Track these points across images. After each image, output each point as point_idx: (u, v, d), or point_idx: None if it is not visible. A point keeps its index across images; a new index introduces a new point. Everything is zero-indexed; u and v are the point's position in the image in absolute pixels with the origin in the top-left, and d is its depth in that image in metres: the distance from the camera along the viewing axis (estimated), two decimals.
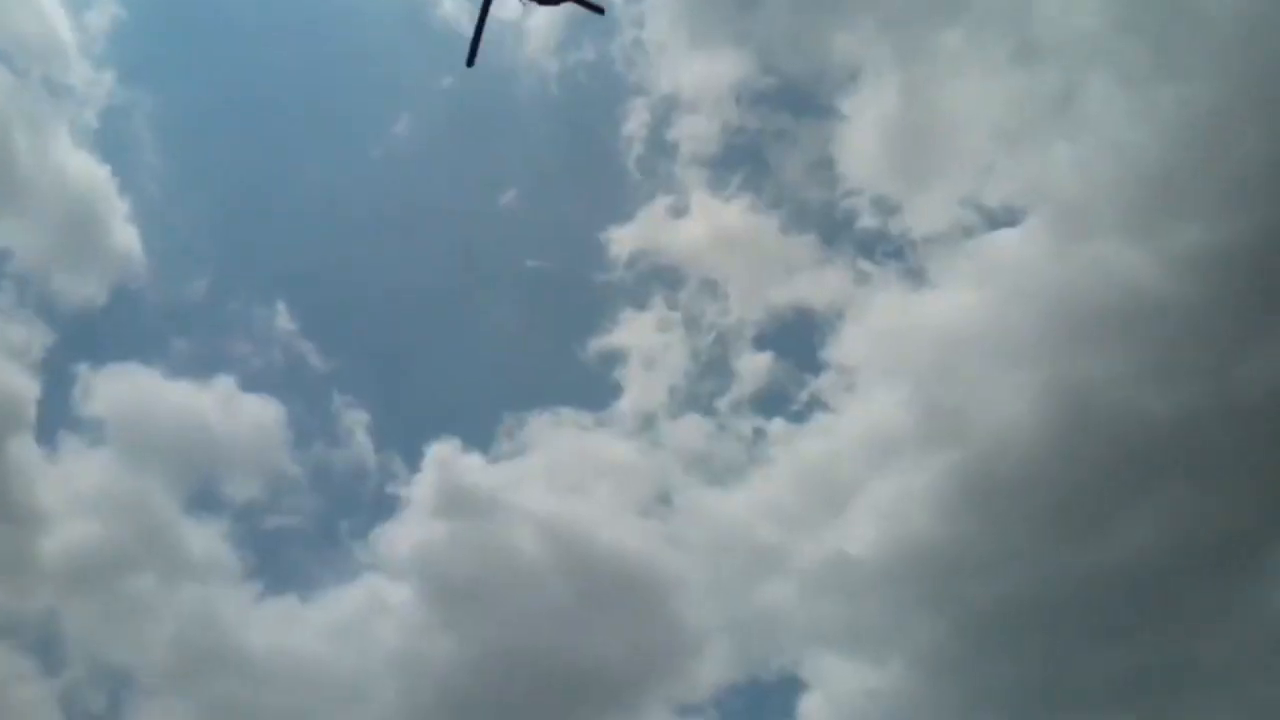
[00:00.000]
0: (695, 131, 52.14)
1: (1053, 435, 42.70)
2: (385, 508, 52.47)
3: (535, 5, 25.58)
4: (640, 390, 54.25)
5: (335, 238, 59.23)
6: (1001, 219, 48.72)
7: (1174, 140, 41.85)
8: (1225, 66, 40.92)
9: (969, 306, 48.30)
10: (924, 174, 52.29)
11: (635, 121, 55.91)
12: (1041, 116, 47.57)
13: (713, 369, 53.99)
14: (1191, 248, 41.25)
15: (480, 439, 52.75)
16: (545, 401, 53.80)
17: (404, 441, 54.56)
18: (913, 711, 43.48)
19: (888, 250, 52.01)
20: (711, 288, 55.38)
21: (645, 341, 55.26)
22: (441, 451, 52.02)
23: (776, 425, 51.67)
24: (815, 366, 52.45)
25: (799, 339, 53.63)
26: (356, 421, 54.39)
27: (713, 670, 47.50)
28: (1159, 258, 42.24)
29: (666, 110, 55.20)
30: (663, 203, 56.29)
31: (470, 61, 27.23)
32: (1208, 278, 40.59)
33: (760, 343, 53.39)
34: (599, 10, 26.13)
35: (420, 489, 52.65)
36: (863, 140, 51.89)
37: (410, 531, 51.51)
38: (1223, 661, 39.16)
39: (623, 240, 56.30)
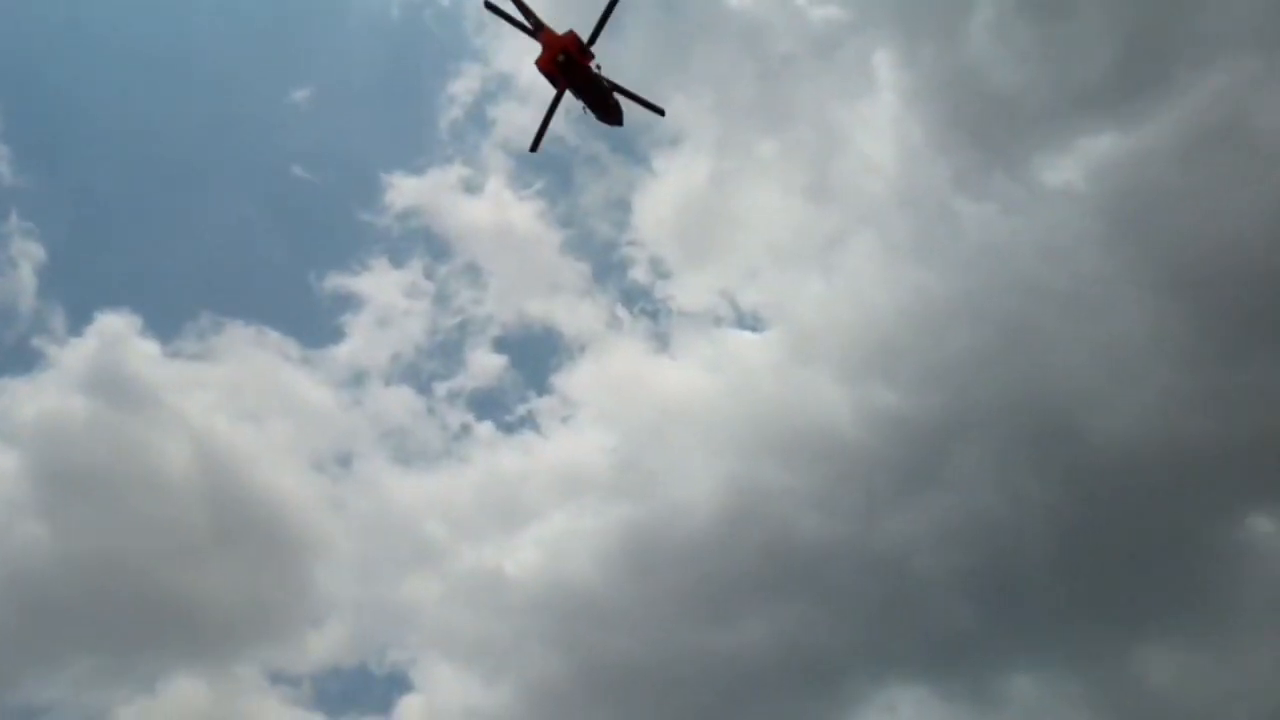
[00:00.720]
0: (516, 120, 51.62)
1: (721, 523, 46.19)
2: (23, 361, 45.64)
3: (594, 118, 28.21)
4: (363, 344, 51.75)
5: (87, 60, 51.82)
6: (748, 322, 52.77)
7: (903, 326, 48.09)
8: (964, 269, 47.93)
9: (695, 386, 51.53)
10: (701, 254, 55.65)
11: (463, 86, 54.52)
12: (810, 248, 52.62)
13: (445, 352, 52.79)
14: (885, 409, 47.11)
15: (164, 327, 47.80)
16: (255, 316, 49.57)
17: (75, 296, 48.00)
18: None
19: (646, 308, 54.41)
20: (475, 274, 54.54)
21: (388, 299, 52.90)
22: (114, 324, 46.76)
23: (485, 429, 51.43)
24: (542, 387, 53.09)
25: (537, 356, 54.07)
26: (27, 253, 47.06)
27: (325, 646, 45.36)
28: (857, 406, 47.77)
29: (498, 88, 54.36)
30: (458, 173, 54.89)
31: (534, 148, 29.67)
32: (887, 437, 46.52)
33: (501, 345, 53.19)
34: (659, 111, 29.24)
35: (73, 355, 46.54)
36: (662, 201, 54.24)
37: (43, 397, 45.23)
38: None
39: (403, 190, 54.00)
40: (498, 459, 50.68)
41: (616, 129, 29.64)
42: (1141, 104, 44.36)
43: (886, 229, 50.56)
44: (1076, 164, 46.61)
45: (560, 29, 25.94)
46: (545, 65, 26.19)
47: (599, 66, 26.61)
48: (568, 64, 26.02)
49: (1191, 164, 42.72)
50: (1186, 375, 41.62)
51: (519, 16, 25.73)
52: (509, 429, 51.71)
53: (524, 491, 49.78)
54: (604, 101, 27.72)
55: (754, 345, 52.00)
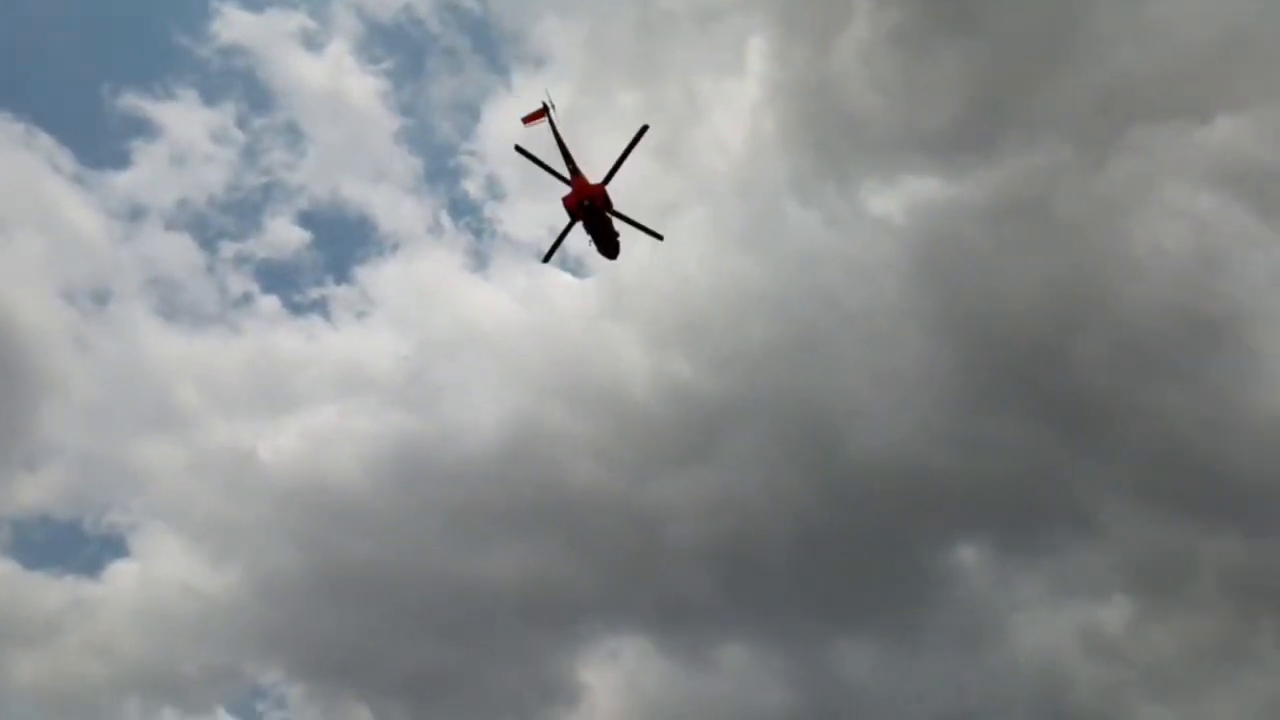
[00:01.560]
0: None
1: (496, 453, 46.03)
2: None
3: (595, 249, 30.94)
4: (150, 178, 47.97)
5: None
6: (570, 265, 52.26)
7: (712, 305, 49.92)
8: (779, 267, 50.10)
9: (502, 314, 52.15)
10: (539, 185, 54.82)
11: None
12: (646, 211, 52.21)
13: (242, 211, 49.21)
14: (678, 380, 48.81)
15: None
16: (29, 113, 45.42)
17: None
18: (219, 617, 42.29)
19: (472, 224, 54.44)
20: (295, 137, 50.90)
21: (190, 137, 48.86)
22: None
23: (269, 303, 48.83)
24: (343, 275, 51.04)
25: (345, 242, 51.88)
26: None
27: (38, 492, 41.48)
28: (653, 371, 49.08)
29: None
30: (300, 22, 51.96)
31: (546, 259, 32.74)
32: (673, 406, 48.39)
33: (306, 220, 50.24)
34: (658, 237, 31.91)
35: None
36: (513, 119, 53.00)
37: None
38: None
39: (233, 24, 50.68)
40: (276, 338, 48.02)
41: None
42: (969, 160, 47.95)
43: (720, 210, 51.95)
44: (900, 198, 49.70)
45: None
46: (570, 204, 29.38)
47: (610, 202, 29.56)
48: (590, 210, 29.39)
49: (997, 226, 46.83)
50: (942, 413, 46.02)
51: (550, 163, 28.57)
52: (296, 310, 49.06)
53: (298, 378, 47.52)
54: (609, 240, 31.11)
55: (570, 289, 52.25)
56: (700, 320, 48.74)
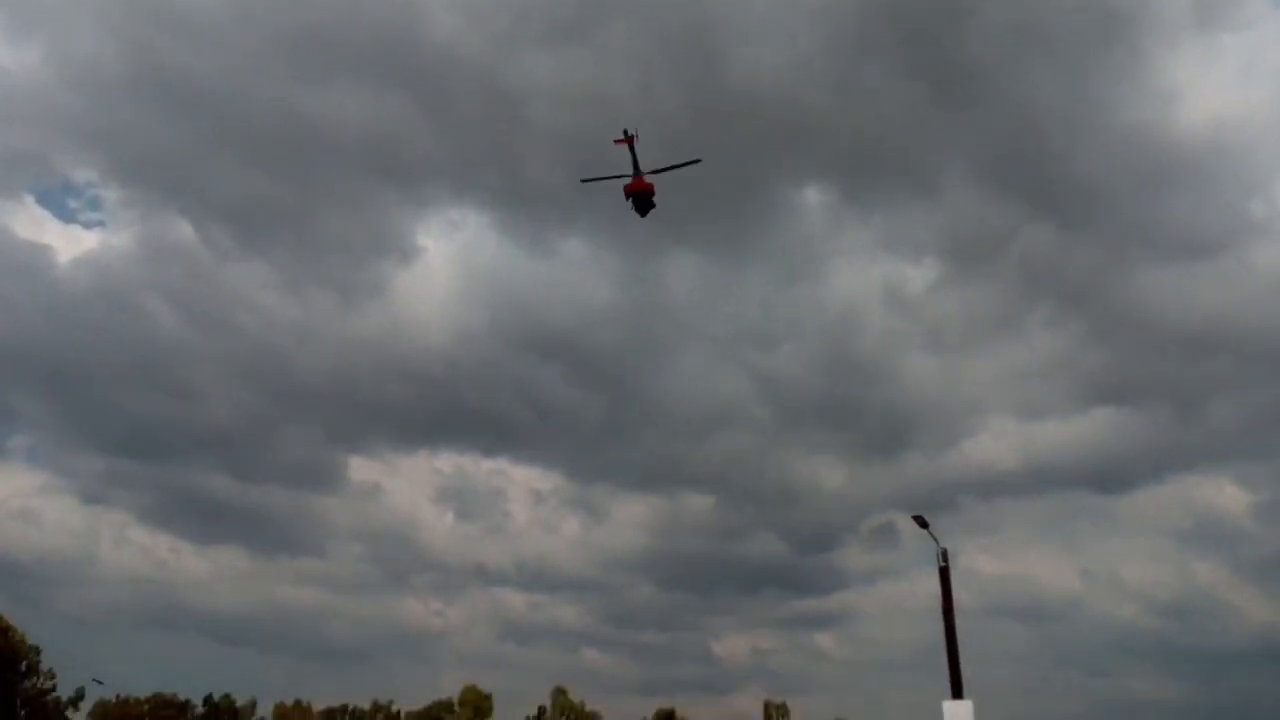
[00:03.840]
0: None
1: None
2: None
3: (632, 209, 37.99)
4: None
5: None
6: None
7: None
8: None
9: None
10: None
11: None
12: None
13: None
14: None
15: None
16: None
17: None
18: (20, 98, 39.07)
19: None
20: None
21: None
22: None
23: None
24: None
25: None
26: None
27: None
28: None
29: None
30: None
31: (584, 180, 38.14)
32: None
33: None
34: (697, 161, 37.26)
35: None
36: None
37: None
38: None
39: None
40: None
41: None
42: None
43: None
44: None
45: None
46: (628, 190, 37.13)
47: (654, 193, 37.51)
48: (639, 196, 37.43)
49: None
50: (829, 54, 44.86)
51: (616, 172, 36.93)
52: None
53: None
54: (646, 208, 38.21)
55: None
56: None
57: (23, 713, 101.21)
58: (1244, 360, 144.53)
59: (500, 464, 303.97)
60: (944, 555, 22.66)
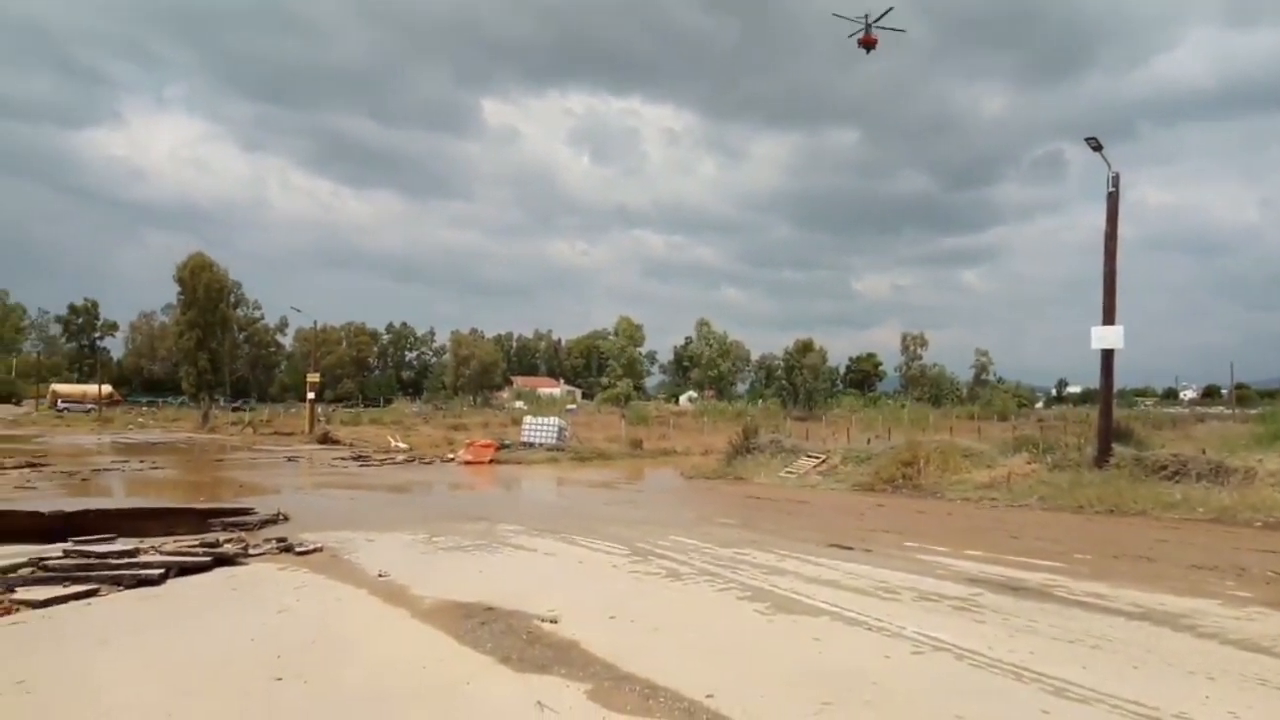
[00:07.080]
0: None
1: None
2: None
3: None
4: None
5: None
6: None
7: None
8: None
9: None
10: None
11: None
12: None
13: None
14: None
15: None
16: None
17: None
18: None
19: None
20: None
21: None
22: None
23: None
24: None
25: None
26: None
27: None
28: None
29: None
30: None
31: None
32: None
33: None
34: (901, 30, 42.59)
35: None
36: None
37: None
38: None
39: None
40: None
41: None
42: None
43: None
44: None
45: None
46: (864, 41, 41.14)
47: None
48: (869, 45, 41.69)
49: None
50: None
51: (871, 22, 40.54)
52: None
53: None
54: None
55: None
56: None
57: (240, 336, 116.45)
58: None
59: (632, 103, 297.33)
60: (1114, 180, 19.83)
